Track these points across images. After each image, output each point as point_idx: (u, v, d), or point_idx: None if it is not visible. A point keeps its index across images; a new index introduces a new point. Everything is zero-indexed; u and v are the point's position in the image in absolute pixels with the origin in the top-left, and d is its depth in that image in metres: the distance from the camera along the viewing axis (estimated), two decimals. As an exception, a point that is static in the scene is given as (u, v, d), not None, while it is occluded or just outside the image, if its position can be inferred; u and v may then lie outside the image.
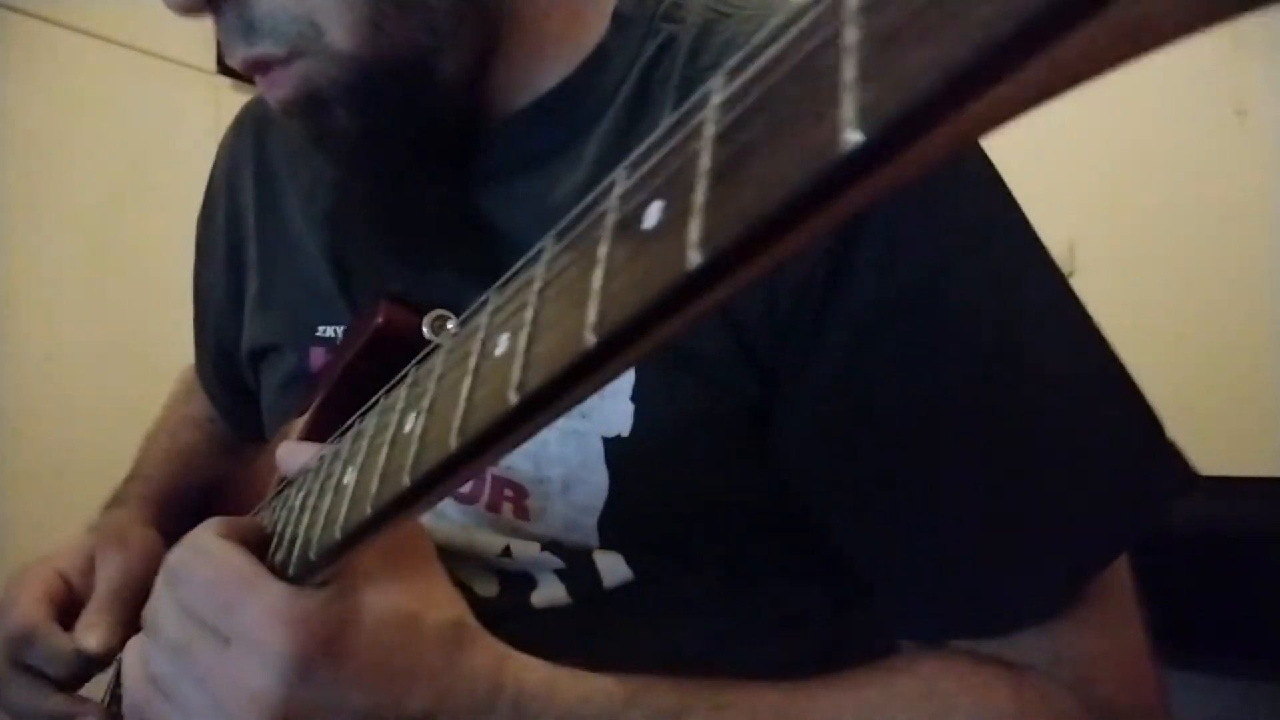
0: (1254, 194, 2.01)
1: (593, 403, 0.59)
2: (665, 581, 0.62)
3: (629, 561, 0.61)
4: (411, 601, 0.48)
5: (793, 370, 0.57)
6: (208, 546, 0.49)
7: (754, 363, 0.58)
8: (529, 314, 0.28)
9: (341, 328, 0.71)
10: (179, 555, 0.50)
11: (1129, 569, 0.58)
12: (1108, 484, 0.56)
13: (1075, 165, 2.16)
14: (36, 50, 2.03)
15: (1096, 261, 2.07)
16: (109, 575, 0.76)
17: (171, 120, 2.20)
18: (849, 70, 0.16)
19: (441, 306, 0.62)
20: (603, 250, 0.24)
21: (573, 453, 0.60)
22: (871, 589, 0.63)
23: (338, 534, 0.41)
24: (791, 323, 0.56)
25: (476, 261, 0.64)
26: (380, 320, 0.62)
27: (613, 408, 0.59)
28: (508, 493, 0.62)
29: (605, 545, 0.61)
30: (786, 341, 0.56)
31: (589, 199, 0.27)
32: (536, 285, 0.28)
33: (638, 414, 0.59)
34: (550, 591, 0.63)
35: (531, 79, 0.64)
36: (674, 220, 0.21)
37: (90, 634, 0.71)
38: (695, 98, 0.23)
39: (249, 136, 0.83)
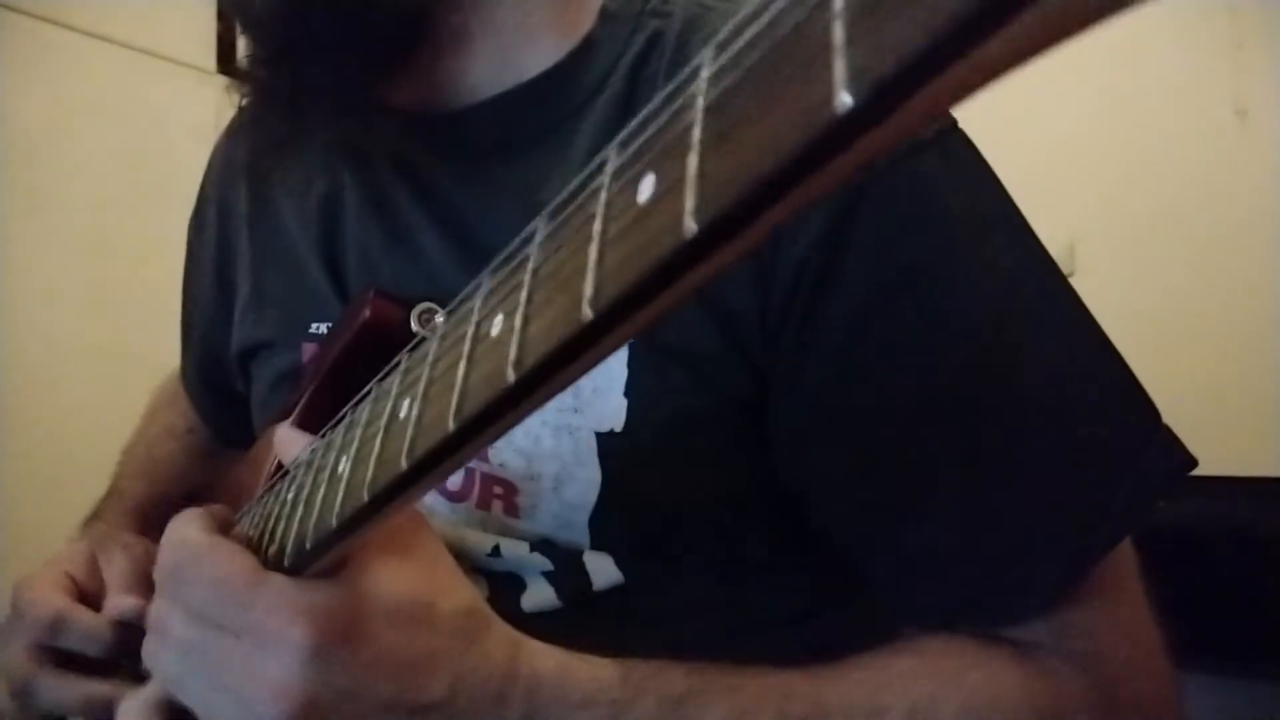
0: (1254, 194, 2.01)
1: (586, 398, 0.59)
2: (654, 583, 0.62)
3: (618, 563, 0.61)
4: (423, 590, 0.47)
5: (789, 363, 0.57)
6: (202, 544, 0.48)
7: (745, 357, 0.58)
8: (523, 294, 0.28)
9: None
10: (174, 556, 0.49)
11: (1131, 549, 0.58)
12: (1106, 470, 0.56)
13: (1075, 165, 2.16)
14: (36, 50, 2.03)
15: (1096, 261, 2.07)
16: (119, 566, 0.76)
17: (171, 120, 2.20)
18: (838, 35, 0.16)
19: (430, 299, 0.62)
20: (597, 226, 0.24)
21: (566, 449, 0.60)
22: (864, 583, 0.63)
23: (333, 522, 0.41)
24: (786, 316, 0.56)
25: (463, 254, 0.64)
26: (367, 313, 0.62)
27: (606, 403, 0.59)
28: (497, 490, 0.62)
29: (596, 544, 0.61)
30: (781, 334, 0.56)
31: (580, 177, 0.27)
32: (530, 265, 0.28)
33: (630, 409, 0.59)
34: (539, 594, 0.63)
35: (517, 64, 0.64)
36: (668, 192, 0.21)
37: (124, 599, 0.71)
38: (685, 72, 0.23)
39: (243, 140, 0.83)
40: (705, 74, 0.21)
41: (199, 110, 2.18)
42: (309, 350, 0.72)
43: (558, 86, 0.63)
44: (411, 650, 0.46)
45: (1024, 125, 1.96)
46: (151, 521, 0.90)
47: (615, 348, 0.24)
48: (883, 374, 0.56)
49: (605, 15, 0.64)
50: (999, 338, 0.55)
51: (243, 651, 0.45)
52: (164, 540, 0.50)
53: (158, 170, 2.15)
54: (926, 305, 0.55)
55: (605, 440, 0.59)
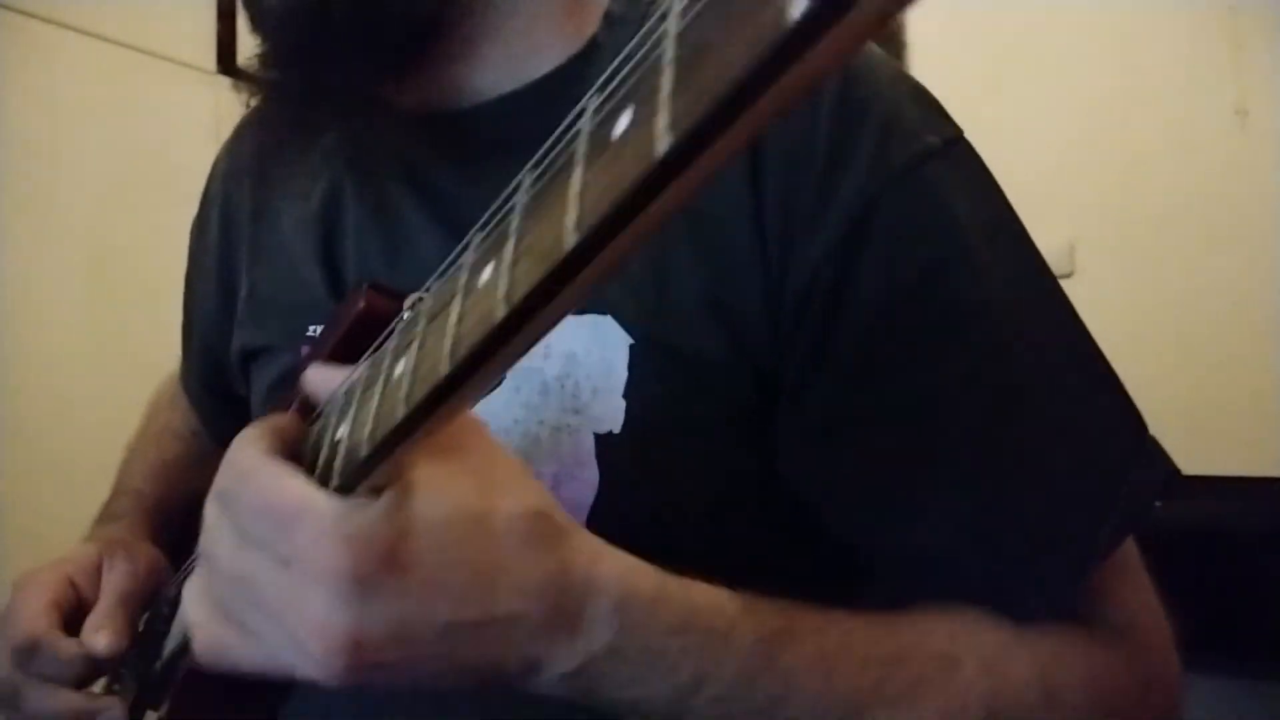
0: (1254, 194, 2.01)
1: (586, 399, 0.60)
2: None
3: None
4: (476, 498, 0.44)
5: (801, 368, 0.58)
6: (255, 466, 0.44)
7: (749, 362, 0.58)
8: (511, 242, 0.29)
9: None
10: (225, 480, 0.45)
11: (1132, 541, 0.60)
12: (1107, 470, 0.57)
13: (1075, 166, 2.17)
14: (36, 50, 2.04)
15: (1096, 262, 2.08)
16: (116, 581, 0.76)
17: (171, 120, 2.21)
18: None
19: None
20: (578, 165, 0.25)
21: (565, 449, 0.60)
22: (862, 581, 0.63)
23: (337, 482, 0.42)
24: (800, 322, 0.57)
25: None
26: (362, 304, 0.62)
27: (605, 404, 0.59)
28: None
29: None
30: (794, 341, 0.57)
31: (561, 127, 0.28)
32: (517, 213, 0.29)
33: (629, 411, 0.59)
34: None
35: (522, 66, 0.65)
36: (643, 120, 0.21)
37: (99, 635, 0.71)
38: (657, 13, 0.24)
39: (248, 144, 0.83)
40: (676, 8, 0.22)
41: (199, 110, 2.19)
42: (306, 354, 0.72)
43: (561, 88, 0.64)
44: (468, 566, 0.43)
45: (1024, 126, 1.97)
46: (166, 522, 0.91)
47: (602, 277, 0.24)
48: (897, 377, 0.57)
49: (609, 19, 0.65)
50: (1005, 340, 0.57)
51: (289, 582, 0.42)
52: (224, 459, 0.46)
53: (157, 170, 2.15)
54: (938, 309, 0.56)
55: (603, 441, 0.60)
